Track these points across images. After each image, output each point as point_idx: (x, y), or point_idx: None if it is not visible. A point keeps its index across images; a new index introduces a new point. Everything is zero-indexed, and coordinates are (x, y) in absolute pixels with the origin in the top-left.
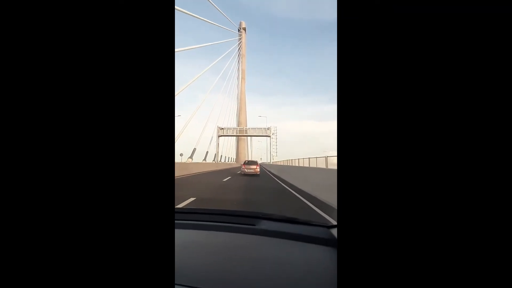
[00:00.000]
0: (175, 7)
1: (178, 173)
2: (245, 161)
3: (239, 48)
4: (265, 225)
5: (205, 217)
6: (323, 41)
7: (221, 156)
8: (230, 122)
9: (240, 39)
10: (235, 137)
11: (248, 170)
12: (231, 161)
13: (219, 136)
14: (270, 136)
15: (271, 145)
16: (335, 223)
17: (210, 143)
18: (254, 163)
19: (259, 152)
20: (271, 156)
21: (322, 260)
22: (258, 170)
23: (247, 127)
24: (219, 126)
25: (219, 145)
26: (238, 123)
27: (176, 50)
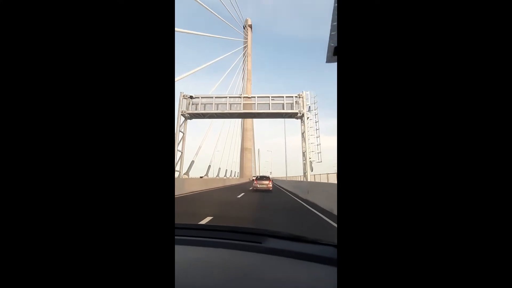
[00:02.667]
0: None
1: None
2: (257, 177)
3: (244, 48)
4: (272, 243)
5: (210, 233)
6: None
7: (209, 166)
8: (234, 130)
9: (245, 38)
10: (237, 147)
11: (261, 186)
12: (234, 175)
13: (186, 118)
14: (304, 116)
15: (308, 134)
16: None
17: (179, 141)
18: (267, 178)
19: (267, 165)
20: (308, 162)
21: (330, 281)
22: (271, 186)
23: (257, 98)
24: (184, 93)
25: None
26: (243, 125)
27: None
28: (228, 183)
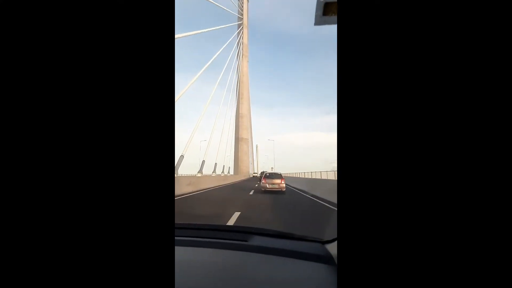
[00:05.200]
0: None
1: None
2: (265, 174)
3: (239, 18)
4: (258, 241)
5: (194, 232)
6: (329, 50)
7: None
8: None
9: (241, 6)
10: (229, 135)
11: (271, 186)
12: (228, 171)
13: None
14: None
15: None
16: (330, 238)
17: None
18: (278, 176)
19: (267, 161)
20: None
21: (316, 278)
22: (284, 185)
23: None
24: None
25: None
26: (238, 110)
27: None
28: (185, 190)
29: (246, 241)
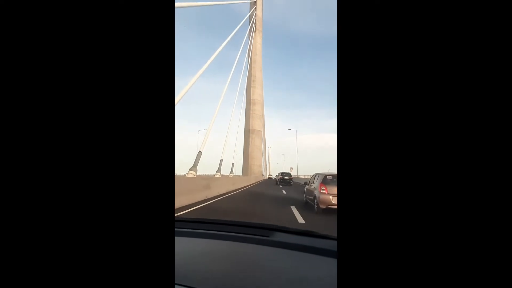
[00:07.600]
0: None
1: None
2: (325, 177)
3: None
4: (279, 237)
5: (222, 227)
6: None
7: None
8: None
9: None
10: (239, 132)
11: (336, 201)
12: (232, 170)
13: None
14: None
15: None
16: None
17: None
18: None
19: (280, 162)
20: None
21: (333, 271)
22: None
23: None
24: None
25: None
26: (249, 96)
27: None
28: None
29: (268, 236)
